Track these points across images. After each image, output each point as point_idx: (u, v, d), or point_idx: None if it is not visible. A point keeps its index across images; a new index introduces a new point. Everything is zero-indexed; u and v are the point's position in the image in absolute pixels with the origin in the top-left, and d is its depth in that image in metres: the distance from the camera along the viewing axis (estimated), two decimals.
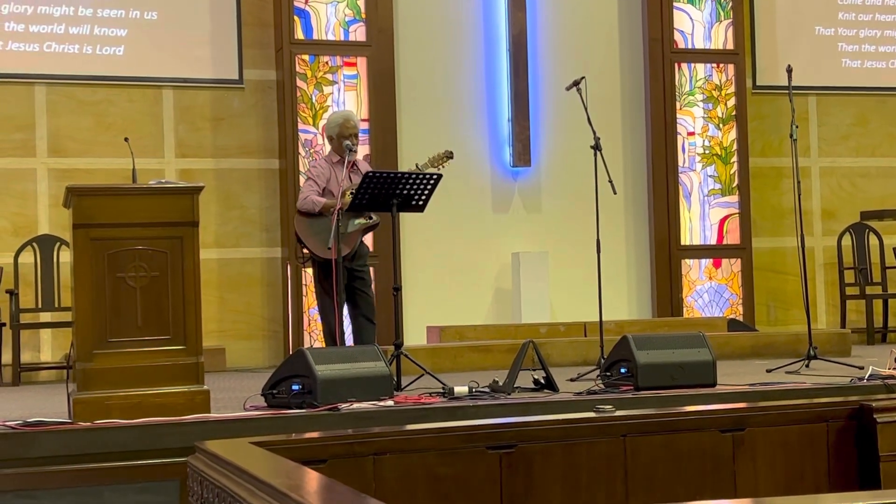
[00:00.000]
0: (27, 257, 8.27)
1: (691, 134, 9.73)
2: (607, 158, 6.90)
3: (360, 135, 7.23)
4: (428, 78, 9.33)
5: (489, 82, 9.42)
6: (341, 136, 6.93)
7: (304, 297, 8.63)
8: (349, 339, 7.19)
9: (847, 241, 9.97)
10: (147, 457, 4.70)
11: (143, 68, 8.83)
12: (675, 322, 9.05)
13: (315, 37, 8.92)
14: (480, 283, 9.33)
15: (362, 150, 8.28)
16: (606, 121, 9.29)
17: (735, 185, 9.76)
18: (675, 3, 9.71)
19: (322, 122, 8.73)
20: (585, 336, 8.39)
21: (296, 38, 8.86)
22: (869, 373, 5.91)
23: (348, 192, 6.57)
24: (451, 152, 6.86)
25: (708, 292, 9.69)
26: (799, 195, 6.99)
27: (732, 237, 9.75)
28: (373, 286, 7.33)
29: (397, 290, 6.32)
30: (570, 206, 9.37)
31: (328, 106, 8.85)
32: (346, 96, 8.93)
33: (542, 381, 5.81)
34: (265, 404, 5.34)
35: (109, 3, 8.78)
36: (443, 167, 6.72)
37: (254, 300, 8.99)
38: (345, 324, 6.86)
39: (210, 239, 8.78)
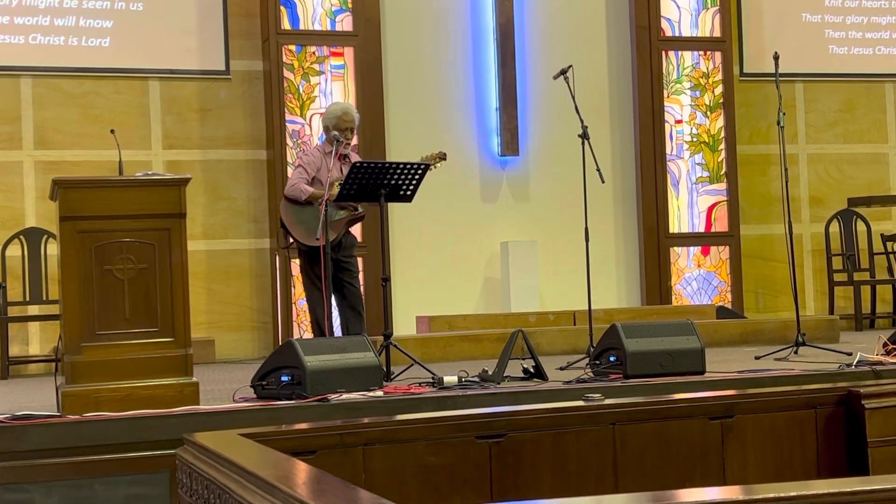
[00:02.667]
0: (14, 250, 8.25)
1: (679, 122, 9.73)
2: (595, 147, 6.90)
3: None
4: (415, 67, 9.31)
5: (477, 71, 9.41)
6: (336, 129, 6.91)
7: (292, 288, 8.62)
8: (337, 330, 7.19)
9: (835, 227, 9.99)
10: (136, 449, 4.69)
11: (129, 60, 8.80)
12: (663, 310, 9.06)
13: (301, 27, 8.90)
14: (469, 272, 9.33)
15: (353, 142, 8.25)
16: (594, 109, 9.29)
17: (723, 172, 9.77)
18: None
19: (309, 113, 8.72)
20: (574, 325, 8.40)
21: (282, 28, 8.84)
22: (857, 359, 5.93)
23: (336, 183, 6.56)
24: (445, 154, 6.82)
25: (696, 280, 9.70)
26: (786, 182, 7.00)
27: (720, 225, 9.76)
28: (360, 276, 7.33)
29: (386, 280, 6.32)
30: (559, 195, 9.37)
31: (315, 96, 8.83)
32: (334, 86, 8.92)
33: (532, 370, 5.82)
34: (254, 396, 5.33)
35: None
36: (435, 167, 6.70)
37: (242, 291, 8.98)
38: (333, 314, 6.86)
39: (198, 230, 8.76)
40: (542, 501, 4.18)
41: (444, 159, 6.82)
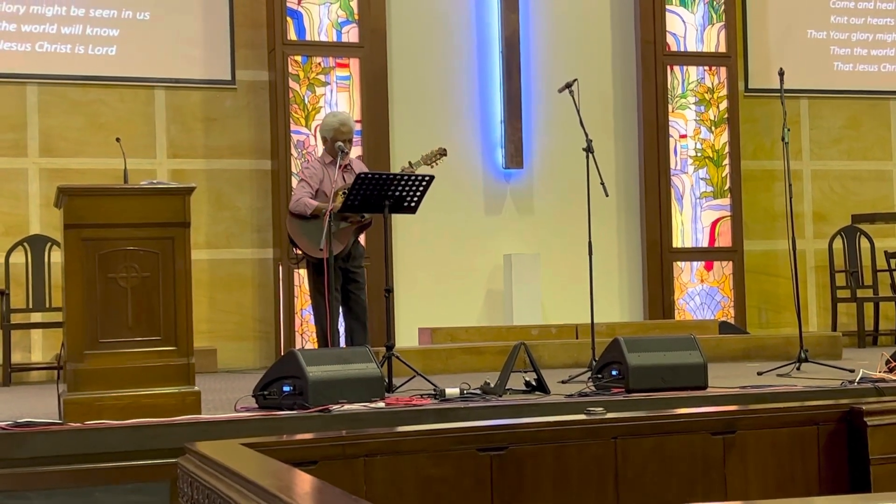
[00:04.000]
0: (18, 257, 8.26)
1: (683, 136, 9.74)
2: (599, 161, 6.90)
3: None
4: (420, 79, 9.33)
5: (482, 84, 9.43)
6: (336, 139, 6.91)
7: (295, 298, 8.62)
8: (342, 340, 7.18)
9: (838, 244, 9.99)
10: (137, 458, 4.69)
11: (135, 68, 8.82)
12: (666, 324, 9.06)
13: (308, 38, 8.92)
14: (472, 284, 9.33)
15: (355, 151, 8.27)
16: (599, 123, 9.30)
17: (727, 187, 9.77)
18: (667, 6, 9.72)
19: (315, 123, 8.73)
20: (577, 338, 8.39)
21: (288, 38, 8.86)
22: (859, 376, 5.92)
23: (340, 193, 6.56)
24: (445, 150, 6.86)
25: (699, 295, 9.70)
26: (790, 198, 7.00)
27: (724, 240, 9.76)
28: (366, 288, 7.33)
29: (389, 291, 6.31)
30: (563, 208, 9.38)
31: (320, 107, 8.84)
32: (339, 97, 8.93)
33: (534, 383, 5.81)
34: (256, 405, 5.33)
35: (102, 3, 8.77)
36: (436, 164, 6.71)
37: (245, 301, 8.98)
38: (339, 325, 6.86)
39: (201, 239, 8.76)
40: None
41: (445, 155, 6.83)
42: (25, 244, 8.28)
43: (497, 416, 5.12)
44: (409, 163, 6.79)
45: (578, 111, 6.86)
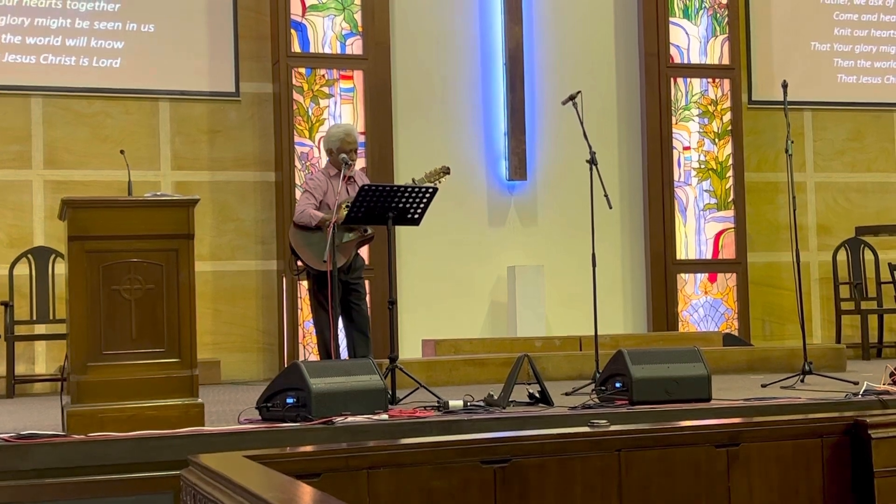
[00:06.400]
0: (22, 269, 8.27)
1: (687, 148, 9.74)
2: (603, 173, 6.90)
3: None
4: (424, 91, 9.34)
5: (485, 96, 9.44)
6: (341, 150, 6.92)
7: (299, 310, 8.62)
8: (344, 352, 7.18)
9: (842, 256, 9.98)
10: (141, 470, 4.69)
11: (139, 80, 8.84)
12: (670, 336, 9.05)
13: (312, 50, 8.93)
14: (476, 296, 9.32)
15: (359, 163, 8.28)
16: (602, 135, 9.30)
17: (730, 199, 9.77)
18: (671, 18, 9.73)
19: (318, 135, 8.74)
20: (580, 350, 8.38)
21: (292, 51, 8.87)
22: (864, 388, 5.91)
23: (344, 206, 6.57)
24: (448, 168, 6.85)
25: (703, 307, 9.69)
26: (794, 210, 7.00)
27: (728, 252, 9.75)
28: (367, 299, 7.33)
29: (392, 303, 6.31)
30: (566, 220, 9.38)
31: (324, 119, 8.86)
32: (343, 109, 8.94)
33: (537, 395, 5.81)
34: (259, 417, 5.33)
35: (106, 16, 8.80)
36: (439, 182, 6.71)
37: (249, 313, 8.99)
38: (340, 337, 6.86)
39: (205, 251, 8.77)
40: None
41: (448, 173, 6.82)
42: (29, 256, 8.29)
43: (501, 429, 5.11)
44: (413, 180, 6.78)
45: (582, 123, 6.87)
